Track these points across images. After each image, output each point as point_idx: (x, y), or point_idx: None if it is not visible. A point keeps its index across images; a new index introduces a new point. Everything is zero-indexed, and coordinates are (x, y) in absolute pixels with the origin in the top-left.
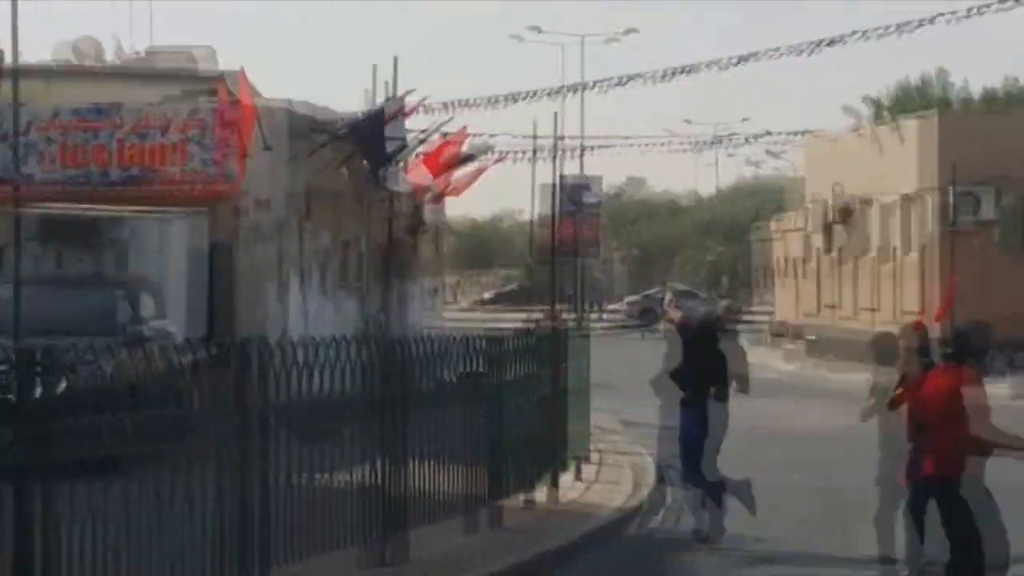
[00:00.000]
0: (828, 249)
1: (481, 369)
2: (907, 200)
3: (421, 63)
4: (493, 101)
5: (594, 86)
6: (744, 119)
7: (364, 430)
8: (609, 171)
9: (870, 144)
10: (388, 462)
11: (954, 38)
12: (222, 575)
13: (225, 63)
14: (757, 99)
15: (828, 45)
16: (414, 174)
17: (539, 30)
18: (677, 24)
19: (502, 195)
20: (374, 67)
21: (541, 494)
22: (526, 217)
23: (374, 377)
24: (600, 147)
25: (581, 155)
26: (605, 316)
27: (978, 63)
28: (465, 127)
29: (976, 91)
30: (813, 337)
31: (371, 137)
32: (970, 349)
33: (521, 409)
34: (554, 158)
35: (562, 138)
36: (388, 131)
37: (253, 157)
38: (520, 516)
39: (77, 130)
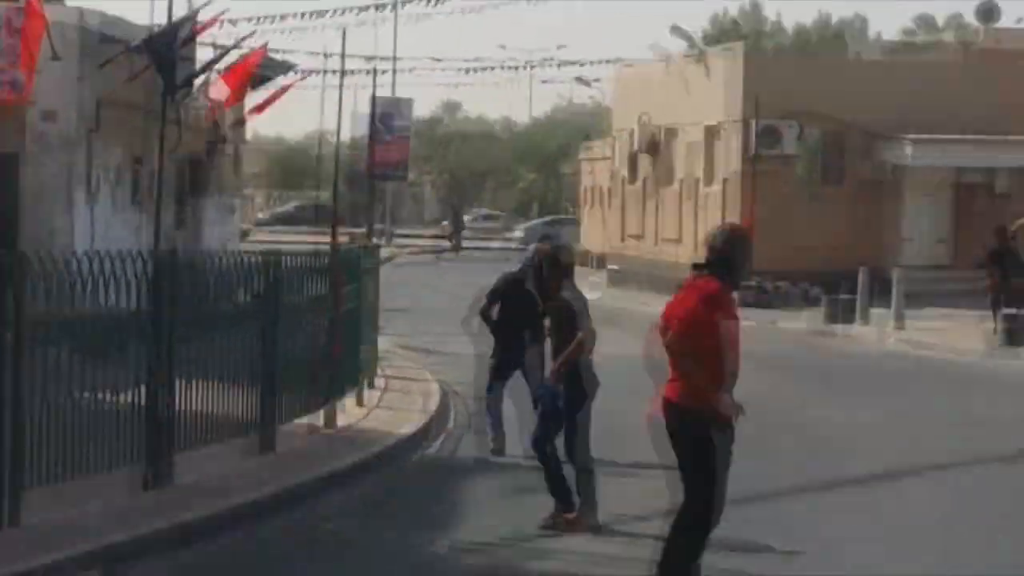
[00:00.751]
0: (632, 180)
1: (258, 291)
2: (711, 132)
3: None
4: (300, 16)
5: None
6: (560, 46)
7: (131, 350)
8: (426, 97)
9: (678, 76)
10: (154, 383)
11: None
12: None
13: None
14: (576, 28)
15: None
16: (214, 91)
17: None
18: None
19: (318, 116)
20: None
21: (319, 419)
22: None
23: (140, 296)
24: (411, 69)
25: (394, 77)
26: (418, 241)
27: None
28: (265, 44)
29: (789, 27)
30: (616, 267)
31: (166, 53)
32: (726, 262)
33: (299, 332)
34: (368, 81)
35: (372, 58)
36: (184, 48)
37: (41, 68)
38: (295, 441)
39: None
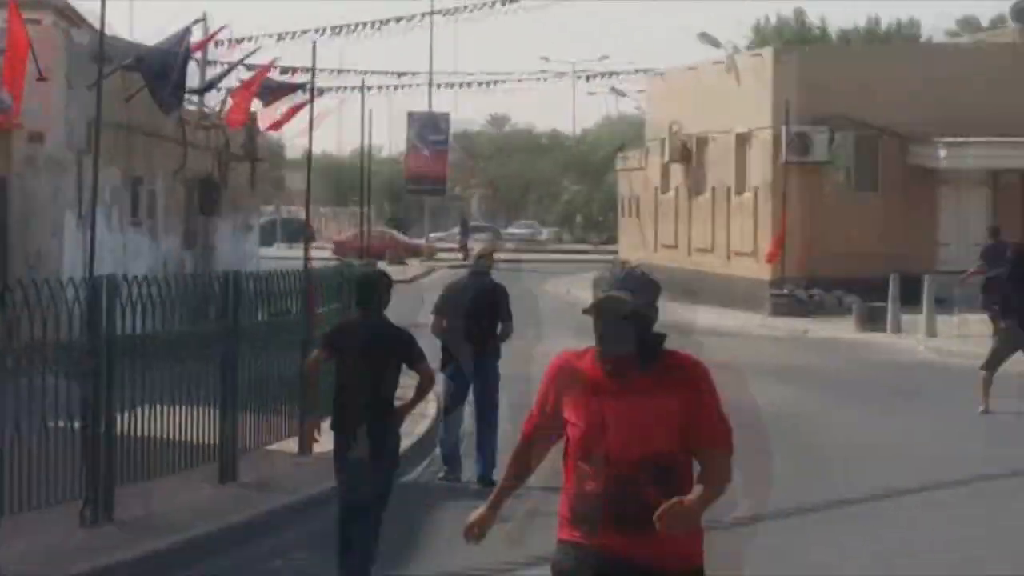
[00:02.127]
0: (665, 189)
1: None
2: (741, 140)
3: None
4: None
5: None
6: (603, 57)
7: (78, 378)
8: (479, 108)
9: (708, 84)
10: (95, 412)
11: None
12: None
13: None
14: (624, 38)
15: None
16: (232, 106)
17: None
18: None
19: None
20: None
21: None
22: (384, 154)
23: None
24: (450, 85)
25: (430, 90)
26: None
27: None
28: (274, 59)
29: (834, 32)
30: (654, 276)
31: (161, 70)
32: None
33: (264, 355)
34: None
35: (404, 74)
36: (182, 65)
37: (28, 88)
38: (260, 470)
39: None
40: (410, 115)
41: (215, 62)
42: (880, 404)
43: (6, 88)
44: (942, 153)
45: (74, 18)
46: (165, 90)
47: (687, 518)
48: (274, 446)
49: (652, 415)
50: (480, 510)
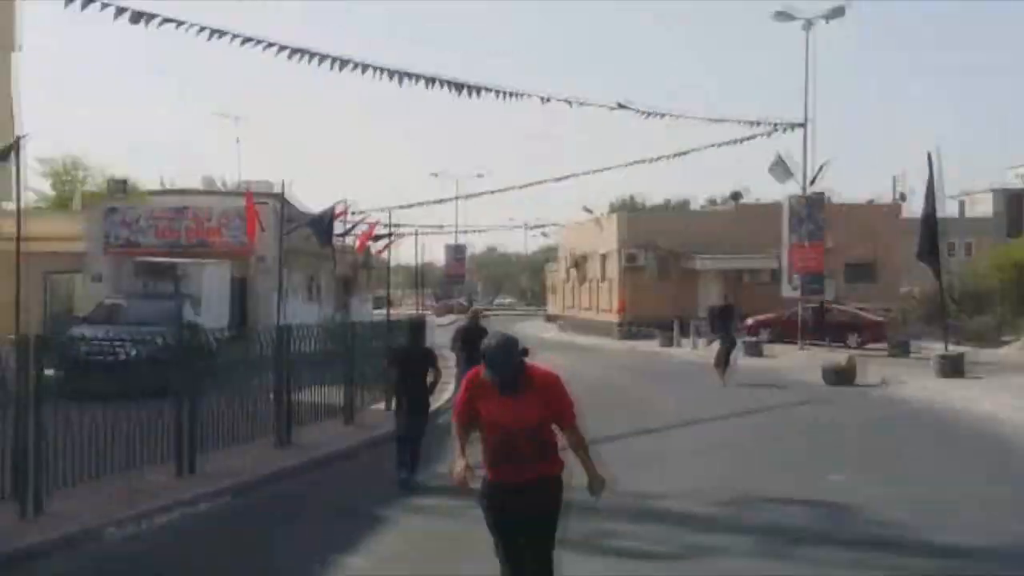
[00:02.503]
0: (568, 278)
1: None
2: (604, 256)
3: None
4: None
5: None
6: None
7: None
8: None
9: (593, 226)
10: (282, 387)
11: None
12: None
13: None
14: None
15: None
16: (358, 243)
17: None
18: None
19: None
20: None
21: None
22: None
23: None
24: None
25: (455, 235)
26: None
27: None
28: (376, 222)
29: (648, 201)
30: (563, 322)
31: (320, 226)
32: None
33: (368, 360)
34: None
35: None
36: (329, 225)
37: (256, 234)
38: (365, 417)
39: (165, 218)
40: (446, 246)
41: (348, 221)
42: (666, 383)
43: (249, 236)
44: (698, 263)
45: (278, 199)
46: (323, 235)
47: (594, 479)
48: (372, 407)
49: (523, 406)
50: (460, 462)
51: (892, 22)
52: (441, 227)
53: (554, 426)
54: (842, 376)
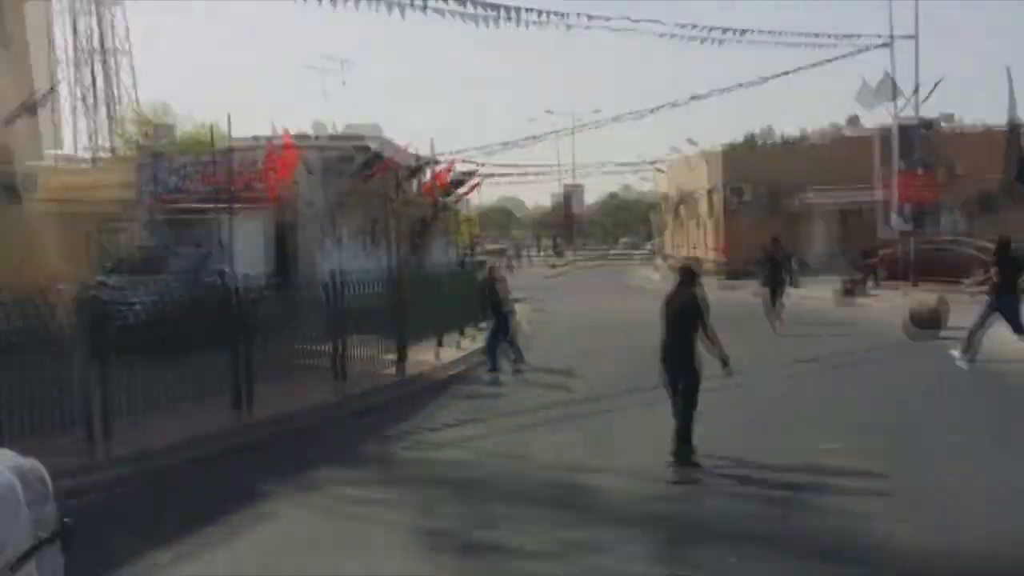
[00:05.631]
0: (676, 217)
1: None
2: (709, 193)
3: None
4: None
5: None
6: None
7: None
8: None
9: (698, 160)
10: (337, 336)
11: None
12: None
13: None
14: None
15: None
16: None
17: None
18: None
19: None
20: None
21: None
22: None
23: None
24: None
25: (573, 175)
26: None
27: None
28: (453, 161)
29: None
30: (671, 260)
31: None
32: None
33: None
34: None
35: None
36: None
37: (299, 179)
38: (418, 364)
39: (211, 163)
40: (565, 185)
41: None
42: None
43: (285, 178)
44: (810, 195)
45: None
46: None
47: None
48: (419, 356)
49: None
50: None
51: None
52: (558, 165)
53: None
54: (926, 323)
